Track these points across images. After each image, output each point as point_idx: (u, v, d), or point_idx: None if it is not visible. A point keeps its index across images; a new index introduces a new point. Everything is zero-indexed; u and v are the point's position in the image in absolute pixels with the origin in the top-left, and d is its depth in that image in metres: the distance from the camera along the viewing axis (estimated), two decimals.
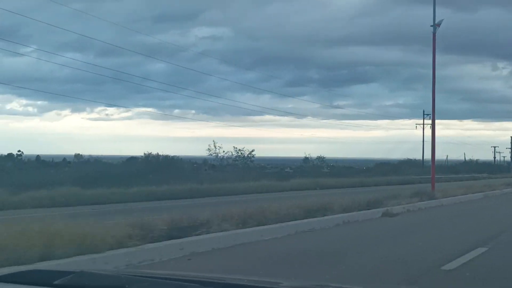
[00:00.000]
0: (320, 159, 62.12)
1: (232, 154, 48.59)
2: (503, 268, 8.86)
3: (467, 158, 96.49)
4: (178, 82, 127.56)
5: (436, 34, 24.21)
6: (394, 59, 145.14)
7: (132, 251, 8.30)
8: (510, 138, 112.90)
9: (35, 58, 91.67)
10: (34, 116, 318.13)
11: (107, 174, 35.24)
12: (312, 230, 12.85)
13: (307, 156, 61.25)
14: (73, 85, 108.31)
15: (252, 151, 49.33)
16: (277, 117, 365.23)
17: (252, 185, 32.53)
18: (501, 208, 21.76)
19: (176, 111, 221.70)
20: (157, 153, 46.62)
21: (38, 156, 51.83)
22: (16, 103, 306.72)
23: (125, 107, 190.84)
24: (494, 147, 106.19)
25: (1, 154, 45.41)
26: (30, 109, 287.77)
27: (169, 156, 48.29)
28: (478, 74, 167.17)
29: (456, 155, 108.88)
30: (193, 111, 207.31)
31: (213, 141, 49.91)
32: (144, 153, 48.19)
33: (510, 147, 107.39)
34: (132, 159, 52.51)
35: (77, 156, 57.39)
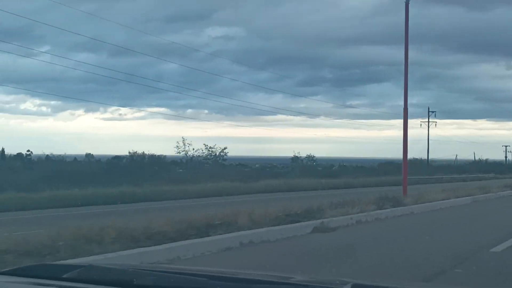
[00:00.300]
0: (310, 158, 57.68)
1: (203, 153, 44.12)
2: None
3: (477, 158, 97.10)
4: (191, 82, 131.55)
5: (409, 5, 20.01)
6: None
7: None
8: None
9: (49, 59, 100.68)
10: (48, 116, 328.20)
11: (76, 174, 34.53)
12: (170, 262, 9.13)
13: (296, 155, 56.91)
14: (86, 85, 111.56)
15: (224, 148, 45.81)
16: (290, 117, 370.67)
17: (208, 187, 28.34)
18: (485, 219, 18.88)
19: (189, 111, 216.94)
20: (143, 152, 46.26)
21: (47, 156, 51.90)
22: (30, 103, 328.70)
23: (138, 107, 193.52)
24: (506, 146, 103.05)
25: (10, 154, 46.82)
26: (44, 109, 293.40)
27: (155, 155, 47.64)
28: (492, 73, 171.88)
29: (467, 155, 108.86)
30: (206, 111, 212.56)
31: (182, 138, 47.62)
32: (129, 152, 47.76)
33: None
34: (116, 158, 51.73)
35: (88, 155, 57.74)
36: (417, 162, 79.47)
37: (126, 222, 10.48)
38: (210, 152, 47.12)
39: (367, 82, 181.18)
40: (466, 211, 21.04)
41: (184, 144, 45.49)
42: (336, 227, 14.13)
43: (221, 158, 48.29)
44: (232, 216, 12.31)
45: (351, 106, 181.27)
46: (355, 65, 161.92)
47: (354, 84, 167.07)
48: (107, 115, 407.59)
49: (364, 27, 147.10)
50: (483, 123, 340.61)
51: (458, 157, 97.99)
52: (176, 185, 30.58)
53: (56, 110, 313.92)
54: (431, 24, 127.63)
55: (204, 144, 47.94)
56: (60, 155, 48.00)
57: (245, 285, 2.64)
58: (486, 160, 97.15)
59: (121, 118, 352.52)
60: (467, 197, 25.60)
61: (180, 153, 46.38)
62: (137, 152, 46.88)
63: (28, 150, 47.06)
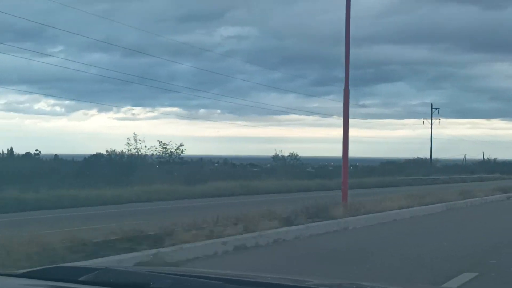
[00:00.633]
0: (293, 156, 52.69)
1: (157, 150, 43.37)
2: None
3: (486, 158, 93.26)
4: (204, 82, 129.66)
5: None
6: (421, 57, 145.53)
7: None
8: None
9: (62, 59, 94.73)
10: (62, 116, 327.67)
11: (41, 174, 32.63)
12: None
13: (277, 153, 51.82)
14: (100, 85, 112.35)
15: (181, 145, 40.74)
16: (303, 116, 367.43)
17: (134, 191, 24.19)
18: (447, 237, 13.81)
19: (202, 110, 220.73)
20: (122, 150, 43.32)
21: (56, 155, 51.66)
22: (44, 103, 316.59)
23: (151, 106, 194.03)
24: None
25: (18, 153, 46.19)
26: (57, 109, 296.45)
27: (135, 154, 44.14)
28: (506, 72, 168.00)
29: (478, 155, 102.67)
30: (219, 111, 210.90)
31: (134, 133, 44.66)
32: (107, 151, 45.18)
33: None
34: (94, 157, 48.74)
35: (98, 155, 55.49)
36: (420, 161, 76.28)
37: None
38: (164, 149, 42.53)
39: (380, 82, 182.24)
40: (426, 225, 16.17)
41: (136, 141, 40.95)
42: (185, 260, 9.21)
43: (177, 156, 43.56)
44: None
45: (364, 106, 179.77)
46: (368, 65, 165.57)
47: (367, 84, 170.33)
48: (120, 115, 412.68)
49: (377, 26, 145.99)
50: (497, 123, 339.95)
51: (467, 157, 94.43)
52: (101, 188, 26.90)
53: (69, 110, 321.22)
54: (445, 23, 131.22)
55: (158, 140, 44.16)
56: (70, 154, 48.59)
57: None
58: (495, 159, 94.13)
59: (134, 118, 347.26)
60: (439, 204, 20.60)
61: (131, 150, 42.52)
62: (116, 151, 44.05)
63: (37, 150, 47.05)
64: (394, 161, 78.73)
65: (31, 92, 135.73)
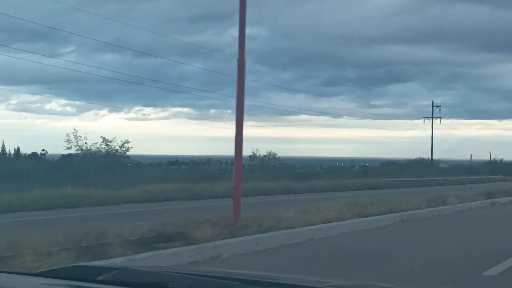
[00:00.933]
0: (272, 155, 48.54)
1: (101, 148, 39.17)
2: None
3: (492, 158, 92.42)
4: (214, 82, 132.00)
5: None
6: (432, 57, 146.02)
7: None
8: None
9: (74, 60, 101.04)
10: (73, 116, 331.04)
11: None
12: None
13: (254, 152, 47.65)
14: (111, 85, 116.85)
15: (125, 142, 36.53)
16: (313, 117, 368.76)
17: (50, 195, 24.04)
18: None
19: (212, 111, 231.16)
20: (98, 148, 40.77)
21: (63, 155, 50.05)
22: (55, 103, 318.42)
23: (161, 107, 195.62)
24: None
25: (25, 153, 45.76)
26: (68, 109, 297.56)
27: (113, 153, 41.81)
28: None
29: (485, 155, 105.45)
30: (229, 111, 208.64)
31: (74, 129, 43.37)
32: (82, 150, 41.91)
33: None
34: (68, 156, 46.45)
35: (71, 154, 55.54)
36: (422, 162, 73.90)
37: None
38: (108, 147, 38.88)
39: (390, 82, 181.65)
40: (353, 247, 11.45)
41: (76, 138, 37.60)
42: None
43: (122, 155, 39.79)
44: None
45: (374, 106, 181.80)
46: (379, 65, 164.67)
47: (378, 84, 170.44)
48: (131, 115, 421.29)
49: (388, 26, 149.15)
50: (508, 123, 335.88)
51: (474, 157, 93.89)
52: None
53: (80, 110, 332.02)
54: (456, 23, 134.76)
55: (101, 137, 40.05)
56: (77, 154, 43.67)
57: None
58: (501, 160, 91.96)
59: (144, 118, 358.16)
60: (389, 215, 15.94)
61: (70, 148, 39.04)
62: (91, 150, 40.84)
63: (43, 150, 46.61)
64: (395, 162, 76.03)
65: (42, 93, 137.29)
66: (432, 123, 73.13)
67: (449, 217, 18.89)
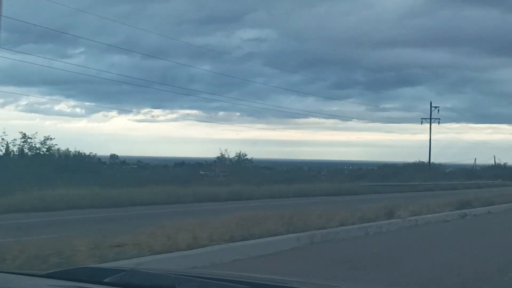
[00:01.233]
0: (242, 156, 44.57)
1: (20, 144, 36.01)
2: None
3: (496, 162, 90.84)
4: (223, 85, 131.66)
5: None
6: (442, 61, 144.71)
7: None
8: None
9: (83, 61, 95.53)
10: (82, 117, 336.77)
11: None
12: None
13: (222, 153, 43.80)
14: (120, 87, 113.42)
15: (47, 138, 32.64)
16: (322, 120, 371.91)
17: None
18: None
19: (221, 113, 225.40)
20: (67, 148, 41.00)
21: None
22: (65, 104, 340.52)
23: (170, 109, 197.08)
24: None
25: (28, 153, 44.29)
26: (78, 110, 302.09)
27: (83, 153, 42.40)
28: None
29: (490, 159, 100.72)
30: (238, 114, 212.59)
31: None
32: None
33: None
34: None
35: (113, 156, 56.05)
36: (420, 165, 72.22)
37: None
38: (28, 143, 36.01)
39: (400, 85, 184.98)
40: None
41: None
42: None
43: (41, 150, 36.69)
44: None
45: (384, 110, 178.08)
46: (388, 68, 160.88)
47: (388, 87, 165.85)
48: (140, 116, 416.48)
49: (398, 29, 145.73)
50: None
51: (478, 162, 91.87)
52: None
53: (89, 112, 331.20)
54: (466, 26, 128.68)
55: (20, 132, 36.80)
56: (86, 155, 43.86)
57: None
58: (505, 164, 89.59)
59: (153, 120, 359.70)
60: (292, 236, 11.60)
61: None
62: (60, 149, 40.08)
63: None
64: (394, 165, 74.64)
65: (51, 94, 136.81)
66: (430, 124, 71.56)
67: (392, 235, 14.54)
